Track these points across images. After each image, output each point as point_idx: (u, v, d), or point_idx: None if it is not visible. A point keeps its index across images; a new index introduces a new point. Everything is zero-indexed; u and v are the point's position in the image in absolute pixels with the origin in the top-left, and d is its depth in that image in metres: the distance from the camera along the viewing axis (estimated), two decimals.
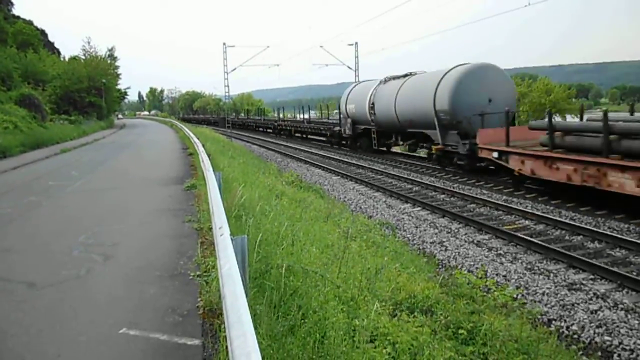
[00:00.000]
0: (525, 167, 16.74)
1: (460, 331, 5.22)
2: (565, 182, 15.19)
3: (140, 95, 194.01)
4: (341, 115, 35.37)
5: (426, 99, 23.03)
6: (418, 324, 4.77)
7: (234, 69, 46.20)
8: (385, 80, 29.30)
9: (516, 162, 17.23)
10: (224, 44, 44.22)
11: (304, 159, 30.97)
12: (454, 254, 12.13)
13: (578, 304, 9.10)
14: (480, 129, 19.77)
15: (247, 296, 3.15)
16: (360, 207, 17.29)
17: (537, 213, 14.53)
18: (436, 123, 22.61)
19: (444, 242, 13.00)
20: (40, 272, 6.50)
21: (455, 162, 22.36)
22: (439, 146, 23.05)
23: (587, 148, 14.49)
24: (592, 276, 10.20)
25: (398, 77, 28.10)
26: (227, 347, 3.04)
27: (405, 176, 22.41)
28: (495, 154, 18.33)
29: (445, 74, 22.55)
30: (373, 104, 29.45)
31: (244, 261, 4.10)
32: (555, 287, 9.85)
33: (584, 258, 10.76)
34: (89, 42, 63.86)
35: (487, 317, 5.73)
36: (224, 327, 4.43)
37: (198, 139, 23.09)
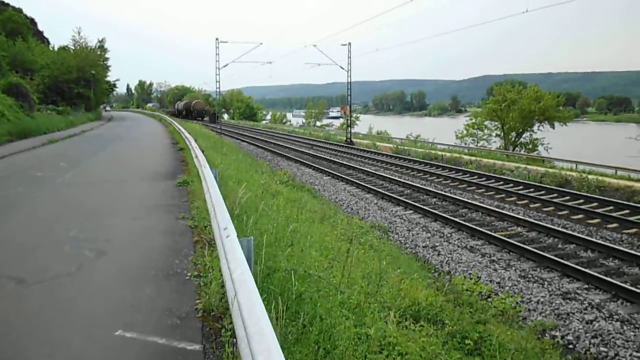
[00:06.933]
0: None
1: (467, 341, 5.09)
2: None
3: (128, 88, 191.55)
4: (179, 107, 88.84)
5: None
6: (425, 333, 4.64)
7: (226, 65, 45.76)
8: (181, 101, 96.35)
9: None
10: (217, 39, 43.82)
11: (294, 157, 30.81)
12: (447, 258, 12.06)
13: (573, 313, 9.06)
14: None
15: None
16: (352, 209, 17.18)
17: (529, 220, 14.51)
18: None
19: (436, 246, 12.93)
20: (30, 267, 6.27)
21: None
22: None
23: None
24: (586, 285, 10.17)
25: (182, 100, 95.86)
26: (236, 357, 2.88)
27: (397, 179, 22.34)
28: None
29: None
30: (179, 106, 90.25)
31: (249, 265, 3.94)
32: (550, 295, 9.81)
33: (578, 267, 10.72)
34: (79, 33, 62.98)
35: (494, 327, 5.61)
36: (225, 332, 4.27)
37: (189, 134, 22.82)
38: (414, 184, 20.97)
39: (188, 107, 79.41)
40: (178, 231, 8.05)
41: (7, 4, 63.86)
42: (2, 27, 50.93)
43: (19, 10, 64.81)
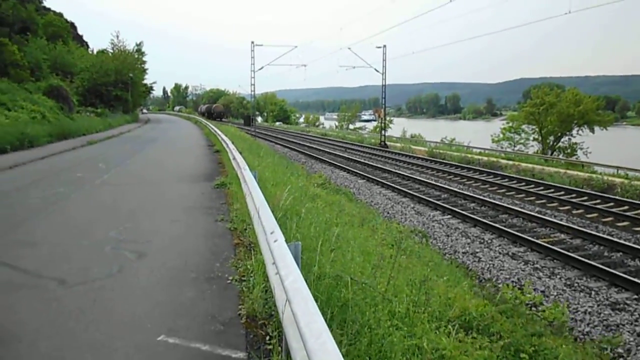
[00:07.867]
0: None
1: (522, 355, 4.83)
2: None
3: (164, 91, 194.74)
4: (202, 110, 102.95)
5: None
6: (478, 345, 4.40)
7: (261, 68, 45.77)
8: (203, 104, 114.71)
9: None
10: (252, 42, 43.94)
11: (328, 160, 30.65)
12: (488, 265, 11.73)
13: (623, 325, 8.67)
14: None
15: None
16: (389, 213, 16.92)
17: (573, 227, 14.04)
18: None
19: (477, 252, 12.60)
20: (71, 268, 6.26)
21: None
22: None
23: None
24: (635, 296, 9.75)
25: (205, 104, 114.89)
26: None
27: (433, 182, 21.97)
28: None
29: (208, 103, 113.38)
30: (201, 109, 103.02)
31: None
32: (598, 305, 9.42)
33: (627, 276, 10.29)
34: (117, 36, 64.14)
35: (550, 340, 5.33)
36: (270, 340, 4.13)
37: (225, 136, 22.90)
38: (451, 188, 20.59)
39: (209, 109, 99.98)
40: (218, 233, 7.98)
41: (48, 9, 65.41)
42: (44, 30, 52.10)
43: (60, 15, 66.32)
